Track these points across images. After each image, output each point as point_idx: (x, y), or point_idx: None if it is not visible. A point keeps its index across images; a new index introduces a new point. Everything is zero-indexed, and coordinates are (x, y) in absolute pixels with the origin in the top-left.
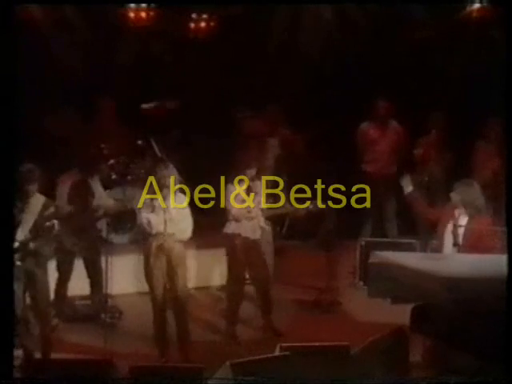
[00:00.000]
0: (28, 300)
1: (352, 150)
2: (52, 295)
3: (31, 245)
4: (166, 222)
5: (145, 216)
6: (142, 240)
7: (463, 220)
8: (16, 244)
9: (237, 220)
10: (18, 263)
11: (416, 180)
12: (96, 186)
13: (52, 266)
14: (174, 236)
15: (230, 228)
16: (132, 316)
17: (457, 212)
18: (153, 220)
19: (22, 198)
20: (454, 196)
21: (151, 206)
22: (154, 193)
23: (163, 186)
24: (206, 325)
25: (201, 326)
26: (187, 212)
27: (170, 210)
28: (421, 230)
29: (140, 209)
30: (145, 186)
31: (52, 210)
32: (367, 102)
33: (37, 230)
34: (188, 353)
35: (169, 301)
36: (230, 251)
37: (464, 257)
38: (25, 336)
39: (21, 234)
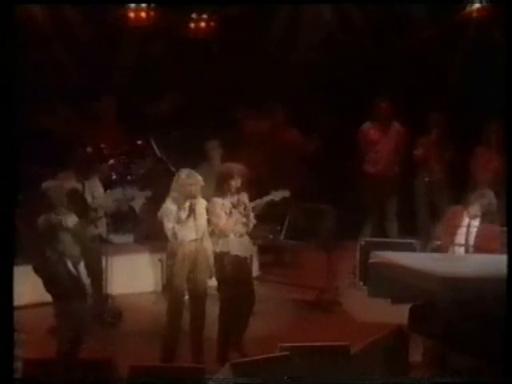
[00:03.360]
0: None
1: (353, 150)
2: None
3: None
4: (193, 229)
5: (170, 226)
6: (168, 247)
7: (475, 222)
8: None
9: (225, 235)
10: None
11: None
12: (95, 186)
13: None
14: (200, 239)
15: (219, 247)
16: (132, 316)
17: (468, 215)
18: (178, 231)
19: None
20: (474, 208)
21: (178, 216)
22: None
23: (189, 194)
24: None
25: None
26: None
27: (197, 217)
28: (421, 230)
29: (163, 218)
30: (144, 186)
31: None
32: (368, 103)
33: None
34: (201, 355)
35: (189, 304)
36: (220, 271)
37: (464, 257)
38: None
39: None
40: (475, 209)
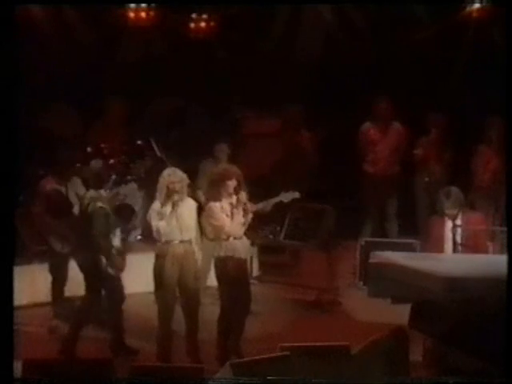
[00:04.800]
0: None
1: (353, 150)
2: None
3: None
4: (177, 228)
5: (155, 224)
6: (156, 245)
7: (459, 221)
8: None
9: (227, 238)
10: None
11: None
12: (77, 186)
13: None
14: (188, 241)
15: (222, 251)
16: (132, 316)
17: (448, 217)
18: (162, 228)
19: None
20: (448, 208)
21: (161, 214)
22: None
23: (173, 192)
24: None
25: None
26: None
27: (183, 216)
28: (421, 230)
29: (151, 218)
30: (144, 186)
31: None
32: (368, 103)
33: None
34: (197, 355)
35: (180, 303)
36: (221, 276)
37: (464, 257)
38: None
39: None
40: (449, 208)
